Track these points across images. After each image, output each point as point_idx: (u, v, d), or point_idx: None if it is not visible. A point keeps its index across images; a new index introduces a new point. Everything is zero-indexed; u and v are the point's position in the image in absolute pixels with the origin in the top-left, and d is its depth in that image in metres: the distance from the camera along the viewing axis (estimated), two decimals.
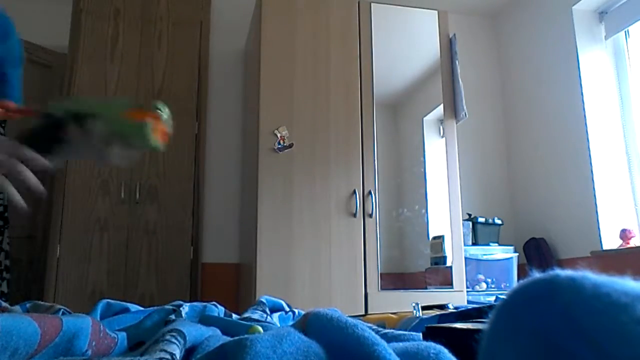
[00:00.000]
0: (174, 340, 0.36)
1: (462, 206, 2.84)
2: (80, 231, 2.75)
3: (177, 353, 0.34)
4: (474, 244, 3.11)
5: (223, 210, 3.12)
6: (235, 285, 3.02)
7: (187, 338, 0.41)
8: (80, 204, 2.78)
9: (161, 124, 0.92)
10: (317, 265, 2.46)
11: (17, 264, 2.76)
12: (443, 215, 2.82)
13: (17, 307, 0.88)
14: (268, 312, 0.68)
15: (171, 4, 3.16)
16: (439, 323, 0.69)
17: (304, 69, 2.66)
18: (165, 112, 0.92)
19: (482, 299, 2.87)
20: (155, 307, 0.62)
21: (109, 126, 0.89)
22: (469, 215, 3.17)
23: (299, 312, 0.64)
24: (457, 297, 2.61)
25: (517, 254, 3.12)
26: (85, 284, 2.62)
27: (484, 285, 3.00)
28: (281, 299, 0.89)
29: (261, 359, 0.34)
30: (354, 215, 2.59)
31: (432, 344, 0.43)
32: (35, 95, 3.13)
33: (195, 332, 0.45)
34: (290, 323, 0.53)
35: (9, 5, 3.25)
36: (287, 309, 0.81)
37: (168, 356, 0.33)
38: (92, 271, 2.70)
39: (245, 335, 0.37)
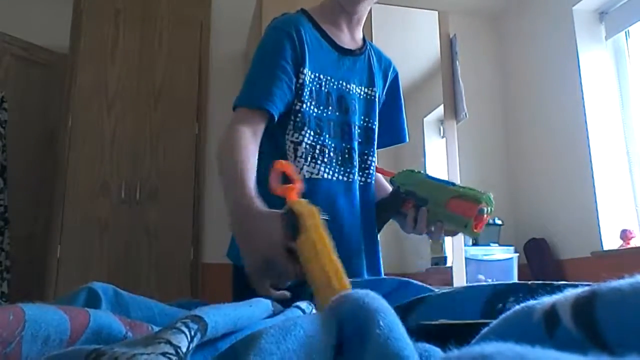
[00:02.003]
0: (183, 328, 0.35)
1: None
2: (81, 231, 2.75)
3: (184, 345, 0.33)
4: (475, 244, 3.11)
5: (223, 211, 3.10)
6: None
7: (209, 325, 0.39)
8: (80, 204, 2.77)
9: (483, 219, 1.03)
10: None
11: (17, 264, 2.76)
12: None
13: None
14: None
15: (171, 5, 3.16)
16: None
17: None
18: (490, 207, 1.06)
19: None
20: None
21: (436, 211, 1.01)
22: None
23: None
24: None
25: (517, 255, 3.12)
26: (86, 284, 2.61)
27: None
28: None
29: (265, 354, 0.34)
30: None
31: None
32: (35, 95, 3.13)
33: (224, 317, 0.43)
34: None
35: (9, 5, 3.26)
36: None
37: (172, 350, 0.32)
38: (93, 271, 2.70)
39: (257, 330, 0.37)
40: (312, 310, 0.64)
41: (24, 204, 2.92)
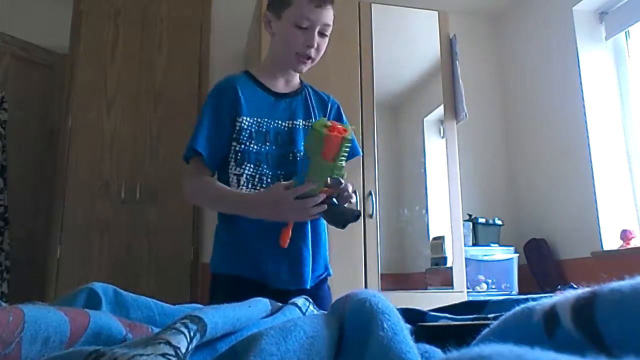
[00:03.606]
0: (183, 329, 0.35)
1: (462, 207, 2.84)
2: (81, 232, 2.75)
3: (183, 345, 0.33)
4: (475, 244, 3.11)
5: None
6: None
7: (208, 326, 0.39)
8: (80, 204, 2.78)
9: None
10: None
11: (17, 265, 2.76)
12: (443, 216, 2.82)
13: None
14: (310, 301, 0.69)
15: (172, 5, 3.16)
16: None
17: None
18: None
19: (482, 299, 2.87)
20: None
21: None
22: (470, 215, 3.17)
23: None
24: (457, 298, 2.61)
25: (517, 255, 3.12)
26: (86, 284, 2.62)
27: (484, 286, 3.00)
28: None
29: (265, 355, 0.34)
30: None
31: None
32: (35, 95, 3.13)
33: (223, 318, 0.43)
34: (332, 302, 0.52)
35: (9, 5, 3.26)
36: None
37: (171, 351, 0.32)
38: (93, 272, 2.70)
39: (257, 331, 0.37)
40: (309, 307, 0.64)
41: (24, 204, 2.92)
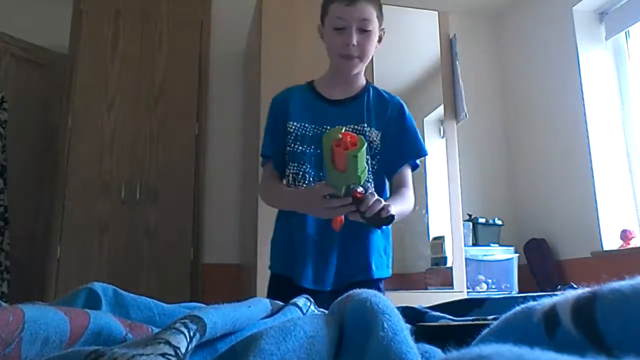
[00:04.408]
0: (182, 329, 0.35)
1: (462, 207, 2.84)
2: (81, 231, 2.75)
3: (183, 345, 0.33)
4: (475, 244, 3.11)
5: (223, 211, 3.12)
6: (235, 286, 3.02)
7: (208, 326, 0.39)
8: (80, 204, 2.78)
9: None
10: None
11: (17, 265, 2.76)
12: (443, 216, 2.82)
13: None
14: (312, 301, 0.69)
15: (171, 5, 3.16)
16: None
17: (304, 69, 2.65)
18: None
19: None
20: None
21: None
22: (470, 215, 3.17)
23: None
24: (457, 298, 2.61)
25: (517, 255, 3.12)
26: (86, 284, 2.62)
27: (484, 286, 3.00)
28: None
29: (265, 355, 0.34)
30: None
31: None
32: (35, 95, 3.13)
33: (222, 318, 0.43)
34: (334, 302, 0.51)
35: (9, 5, 3.26)
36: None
37: (171, 351, 0.32)
38: (93, 272, 2.70)
39: (257, 330, 0.37)
40: (309, 307, 0.64)
41: (24, 204, 2.92)
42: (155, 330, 0.49)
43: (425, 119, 3.07)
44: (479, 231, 3.15)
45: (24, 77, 3.08)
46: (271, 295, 0.79)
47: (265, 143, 1.45)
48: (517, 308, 0.36)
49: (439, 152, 2.90)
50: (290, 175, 1.38)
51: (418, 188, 2.90)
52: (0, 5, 3.18)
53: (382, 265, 1.38)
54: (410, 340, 0.35)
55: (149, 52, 3.06)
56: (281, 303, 0.63)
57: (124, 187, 2.84)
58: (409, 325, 0.39)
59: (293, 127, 1.40)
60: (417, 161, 1.46)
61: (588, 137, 2.90)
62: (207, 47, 3.24)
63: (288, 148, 1.39)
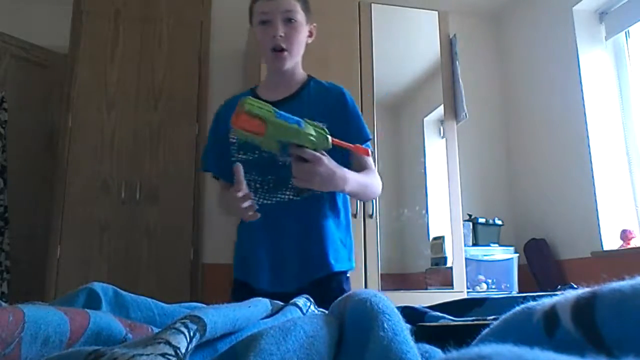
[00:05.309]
0: (182, 329, 0.35)
1: (462, 207, 2.84)
2: (81, 231, 2.75)
3: (183, 345, 0.33)
4: (475, 244, 3.11)
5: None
6: None
7: (208, 326, 0.39)
8: (80, 204, 2.78)
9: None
10: None
11: (17, 265, 2.76)
12: (443, 216, 2.82)
13: None
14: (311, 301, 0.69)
15: (171, 4, 3.16)
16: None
17: (304, 69, 2.65)
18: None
19: None
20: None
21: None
22: (470, 215, 3.17)
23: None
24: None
25: (517, 255, 3.12)
26: (86, 284, 2.61)
27: (484, 286, 3.00)
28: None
29: (265, 355, 0.34)
30: (355, 215, 2.59)
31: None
32: (35, 95, 3.13)
33: (223, 318, 0.43)
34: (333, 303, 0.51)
35: (9, 5, 3.26)
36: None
37: (171, 351, 0.32)
38: (93, 272, 2.70)
39: (257, 330, 0.37)
40: (310, 307, 0.64)
41: (24, 204, 2.92)
42: (155, 330, 0.49)
43: (425, 119, 3.07)
44: (479, 231, 3.15)
45: (24, 77, 3.08)
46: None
47: (209, 158, 1.48)
48: (517, 308, 0.35)
49: (439, 152, 2.90)
50: None
51: (418, 188, 2.91)
52: (0, 5, 3.18)
53: (341, 258, 1.35)
54: (410, 340, 0.35)
55: (149, 52, 3.06)
56: (281, 303, 0.63)
57: (124, 187, 2.84)
58: (409, 325, 0.39)
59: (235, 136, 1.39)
60: (369, 145, 1.40)
61: (588, 137, 2.90)
62: (207, 46, 3.24)
63: (233, 158, 1.38)
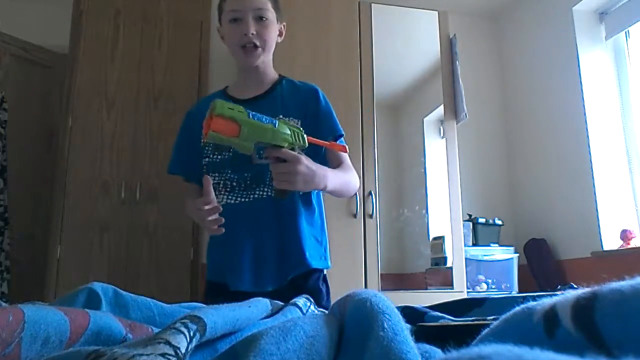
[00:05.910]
0: (182, 329, 0.35)
1: (462, 207, 2.84)
2: (81, 231, 2.74)
3: (183, 345, 0.33)
4: (475, 244, 3.11)
5: None
6: None
7: (208, 326, 0.39)
8: (80, 204, 2.77)
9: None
10: None
11: (17, 265, 2.76)
12: (443, 216, 2.82)
13: None
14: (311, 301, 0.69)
15: (171, 5, 3.16)
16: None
17: (303, 69, 2.65)
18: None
19: None
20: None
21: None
22: (470, 215, 3.17)
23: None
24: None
25: (517, 255, 3.12)
26: (86, 284, 2.61)
27: (484, 286, 3.00)
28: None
29: (265, 355, 0.34)
30: (354, 215, 2.59)
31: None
32: (35, 95, 3.13)
33: (223, 318, 0.43)
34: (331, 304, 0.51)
35: (9, 5, 3.26)
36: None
37: (171, 351, 0.32)
38: (93, 272, 2.70)
39: (257, 330, 0.37)
40: (310, 307, 0.64)
41: (24, 204, 2.92)
42: (155, 330, 0.49)
43: (425, 119, 3.07)
44: (479, 231, 3.15)
45: (24, 77, 3.08)
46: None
47: (173, 160, 1.47)
48: (517, 308, 0.35)
49: (439, 152, 2.90)
50: (213, 187, 1.32)
51: (418, 188, 2.92)
52: (0, 5, 3.18)
53: (317, 255, 1.34)
54: (410, 340, 0.35)
55: (149, 52, 3.06)
56: (281, 303, 0.63)
57: (124, 187, 2.84)
58: (409, 325, 0.39)
59: None
60: (344, 142, 1.39)
61: (588, 137, 2.90)
62: (207, 47, 3.23)
63: (207, 159, 1.36)
